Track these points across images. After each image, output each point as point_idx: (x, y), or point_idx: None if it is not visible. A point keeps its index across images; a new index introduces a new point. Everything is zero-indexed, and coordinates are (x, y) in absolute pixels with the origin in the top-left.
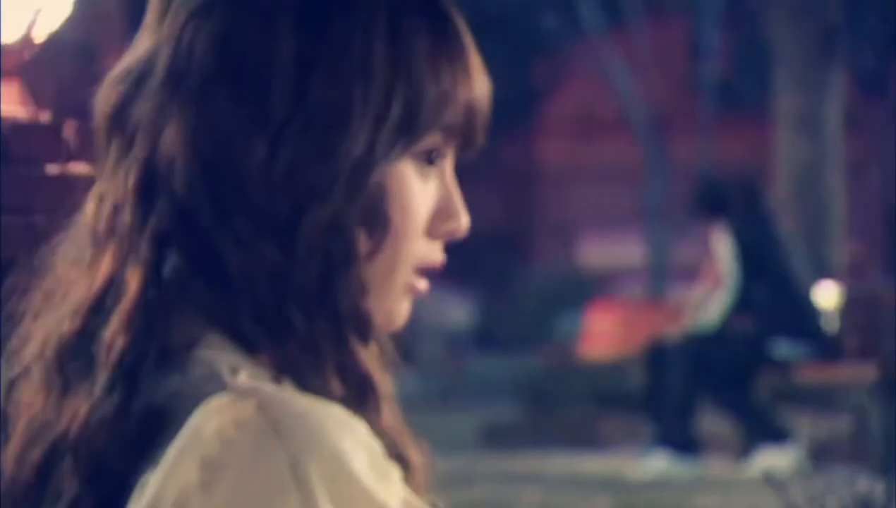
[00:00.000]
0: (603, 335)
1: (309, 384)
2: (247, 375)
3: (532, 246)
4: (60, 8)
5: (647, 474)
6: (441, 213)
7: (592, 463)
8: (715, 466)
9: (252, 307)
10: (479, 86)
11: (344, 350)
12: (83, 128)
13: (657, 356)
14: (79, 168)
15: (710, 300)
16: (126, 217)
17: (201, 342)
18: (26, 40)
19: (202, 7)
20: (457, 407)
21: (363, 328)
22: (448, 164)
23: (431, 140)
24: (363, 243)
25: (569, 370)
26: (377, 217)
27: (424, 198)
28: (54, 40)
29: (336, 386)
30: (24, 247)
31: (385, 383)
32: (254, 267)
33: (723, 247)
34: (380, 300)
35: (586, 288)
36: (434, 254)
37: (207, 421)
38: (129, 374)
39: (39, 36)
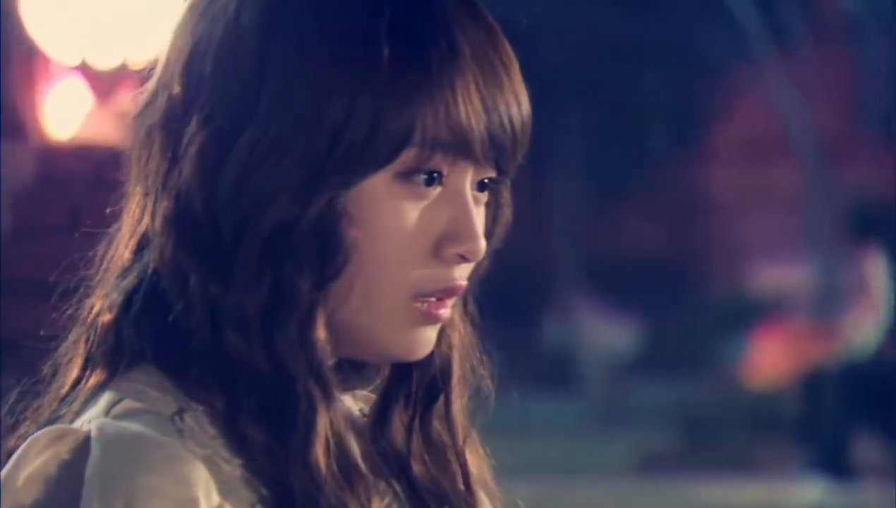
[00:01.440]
0: (768, 360)
1: (232, 417)
2: (124, 408)
3: (697, 270)
4: (159, 35)
5: (803, 501)
6: (451, 235)
7: (749, 491)
8: (871, 493)
9: (190, 337)
10: (476, 104)
11: (283, 384)
12: None
13: (814, 382)
14: None
15: (865, 325)
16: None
17: (126, 374)
18: (122, 67)
19: (178, 26)
20: (616, 433)
21: (310, 360)
22: (460, 184)
23: (412, 159)
24: (315, 269)
25: (731, 396)
26: (331, 240)
27: (413, 220)
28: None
29: (257, 423)
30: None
31: (324, 423)
32: (191, 295)
33: (878, 272)
34: (375, 330)
35: (752, 314)
36: (446, 277)
37: (21, 456)
38: (61, 402)
39: (137, 62)
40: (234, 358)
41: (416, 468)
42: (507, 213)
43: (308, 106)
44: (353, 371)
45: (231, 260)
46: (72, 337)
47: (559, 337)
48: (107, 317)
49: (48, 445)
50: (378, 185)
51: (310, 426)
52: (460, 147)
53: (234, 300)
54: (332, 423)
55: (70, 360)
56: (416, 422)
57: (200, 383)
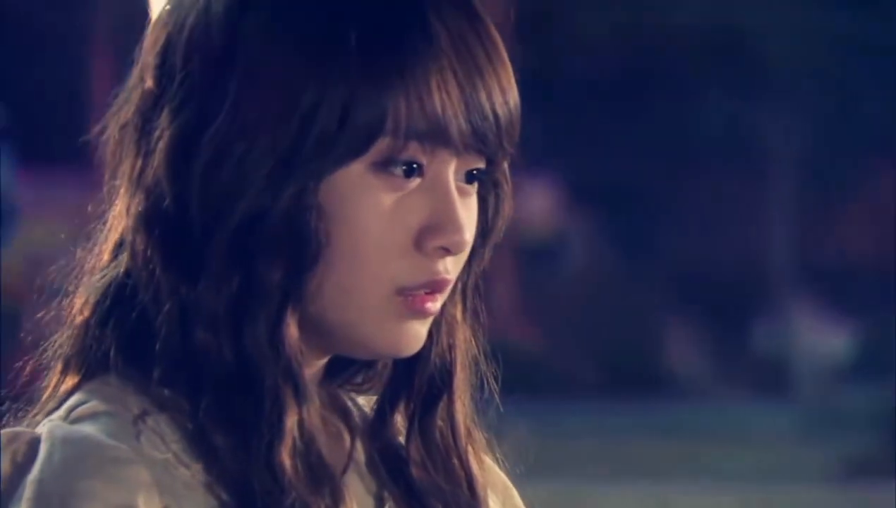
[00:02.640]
0: None
1: (196, 419)
2: (86, 410)
3: None
4: None
5: None
6: (432, 227)
7: None
8: None
9: (158, 337)
10: (452, 92)
11: (251, 382)
12: None
13: None
14: None
15: None
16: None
17: (97, 375)
18: None
19: (155, 20)
20: (829, 439)
21: (280, 357)
22: (442, 175)
23: (385, 149)
24: (285, 262)
25: None
26: (301, 232)
27: (390, 212)
28: None
29: (223, 424)
30: None
31: (292, 423)
32: (161, 294)
33: None
34: (359, 326)
35: None
36: (430, 271)
37: None
38: (43, 405)
39: None
40: (204, 357)
41: (416, 471)
42: (507, 207)
43: (277, 94)
44: (364, 371)
45: (202, 256)
46: (56, 339)
47: (773, 342)
48: (79, 319)
49: (4, 448)
50: (352, 176)
51: (276, 425)
52: (436, 136)
53: (203, 297)
54: (301, 423)
55: (54, 362)
56: (416, 424)
57: (167, 384)
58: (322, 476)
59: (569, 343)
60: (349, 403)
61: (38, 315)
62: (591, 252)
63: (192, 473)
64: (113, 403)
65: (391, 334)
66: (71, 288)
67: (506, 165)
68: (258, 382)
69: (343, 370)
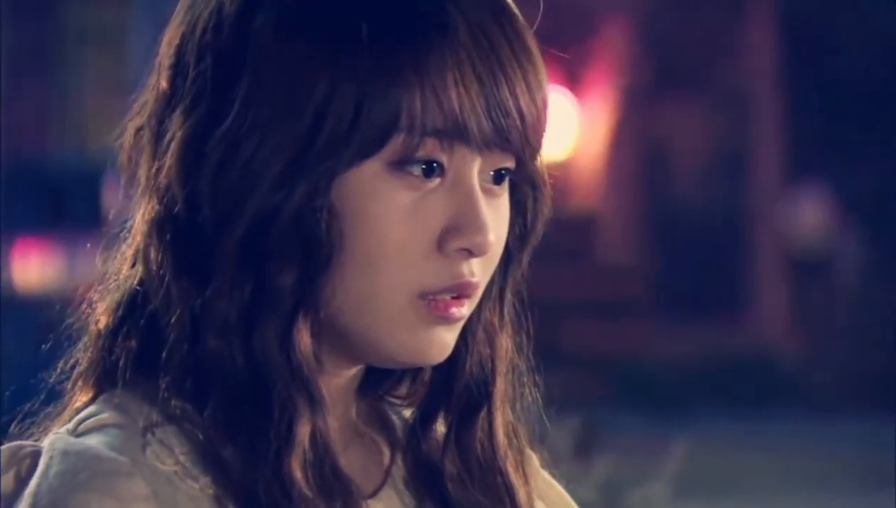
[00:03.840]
0: None
1: (207, 430)
2: (95, 422)
3: None
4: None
5: None
6: (454, 228)
7: None
8: None
9: (170, 346)
10: (471, 86)
11: (262, 391)
12: None
13: None
14: None
15: None
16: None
17: (112, 386)
18: None
19: (170, 23)
20: None
21: (291, 363)
22: (463, 173)
23: (400, 146)
24: (297, 265)
25: None
26: (313, 233)
27: (409, 213)
28: None
29: (234, 435)
30: None
31: (305, 432)
32: (172, 301)
33: None
34: (380, 332)
35: None
36: (453, 273)
37: None
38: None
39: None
40: (215, 364)
41: (451, 486)
42: (545, 210)
43: (287, 91)
44: (409, 382)
45: (213, 261)
46: (78, 349)
47: None
48: (95, 329)
49: (8, 462)
50: (366, 176)
51: (285, 434)
52: (454, 133)
53: (214, 302)
54: (315, 433)
55: (74, 372)
56: (453, 437)
57: (176, 394)
58: (335, 489)
59: (840, 355)
60: (394, 416)
61: (63, 326)
62: (864, 264)
63: (200, 486)
64: (123, 414)
65: (415, 341)
66: (95, 299)
67: (542, 165)
68: (269, 389)
69: (383, 380)
